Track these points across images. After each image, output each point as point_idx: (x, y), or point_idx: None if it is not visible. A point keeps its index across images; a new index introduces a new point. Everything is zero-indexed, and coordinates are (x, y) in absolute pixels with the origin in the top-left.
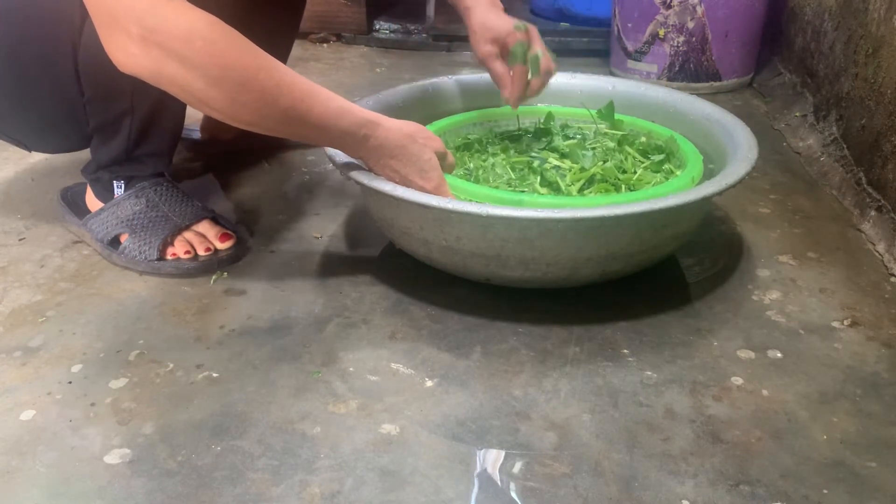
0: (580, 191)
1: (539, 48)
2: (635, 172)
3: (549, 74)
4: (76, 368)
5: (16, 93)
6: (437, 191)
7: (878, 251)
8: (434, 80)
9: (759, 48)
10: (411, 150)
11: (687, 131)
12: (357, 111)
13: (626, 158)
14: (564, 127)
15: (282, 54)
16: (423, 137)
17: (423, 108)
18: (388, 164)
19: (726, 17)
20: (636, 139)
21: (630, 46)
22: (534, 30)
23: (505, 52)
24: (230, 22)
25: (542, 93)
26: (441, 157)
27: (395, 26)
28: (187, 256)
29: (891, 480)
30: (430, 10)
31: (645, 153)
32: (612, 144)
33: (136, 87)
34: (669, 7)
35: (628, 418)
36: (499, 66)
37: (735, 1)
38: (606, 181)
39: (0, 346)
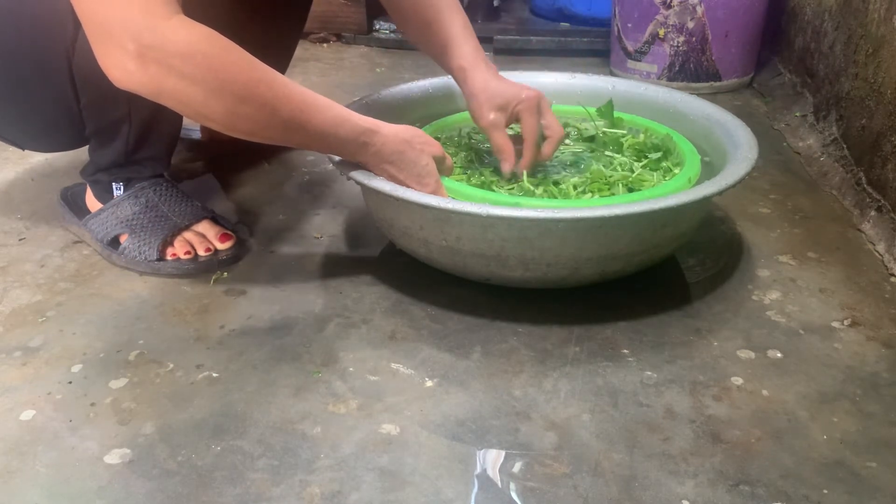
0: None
1: (547, 117)
2: (633, 171)
3: (560, 141)
4: (76, 368)
5: (11, 98)
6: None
7: (878, 251)
8: (434, 80)
9: (759, 48)
10: (408, 156)
11: (687, 131)
12: (355, 119)
13: (618, 166)
14: (564, 126)
15: (282, 63)
16: (421, 143)
17: (423, 109)
18: (386, 170)
19: (726, 17)
20: (633, 138)
21: (630, 46)
22: (542, 99)
23: (511, 121)
24: (229, 31)
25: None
26: (440, 161)
27: (394, 26)
28: (187, 257)
29: (891, 480)
30: None
31: (641, 151)
32: (616, 158)
33: (134, 93)
34: (669, 7)
35: (628, 418)
36: (501, 138)
37: (735, 1)
38: (597, 181)
39: (0, 346)
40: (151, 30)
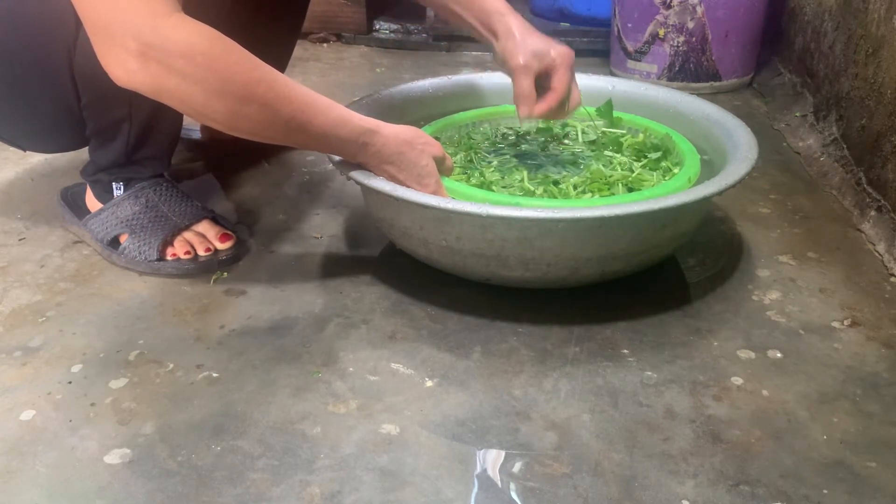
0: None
1: (573, 80)
2: (632, 171)
3: (577, 107)
4: (76, 368)
5: (11, 98)
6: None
7: (878, 251)
8: (434, 80)
9: (759, 48)
10: (409, 157)
11: (687, 131)
12: (356, 119)
13: (617, 166)
14: (564, 126)
15: (282, 62)
16: (421, 143)
17: (423, 109)
18: (386, 171)
19: (726, 17)
20: (632, 138)
21: (630, 46)
22: (572, 56)
23: (542, 71)
24: (229, 30)
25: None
26: (440, 161)
27: (395, 26)
28: (187, 257)
29: (891, 480)
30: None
31: (641, 151)
32: (615, 157)
33: (134, 93)
34: (669, 7)
35: (628, 418)
36: (527, 84)
37: (735, 1)
38: (597, 181)
39: (0, 346)
40: (152, 28)
